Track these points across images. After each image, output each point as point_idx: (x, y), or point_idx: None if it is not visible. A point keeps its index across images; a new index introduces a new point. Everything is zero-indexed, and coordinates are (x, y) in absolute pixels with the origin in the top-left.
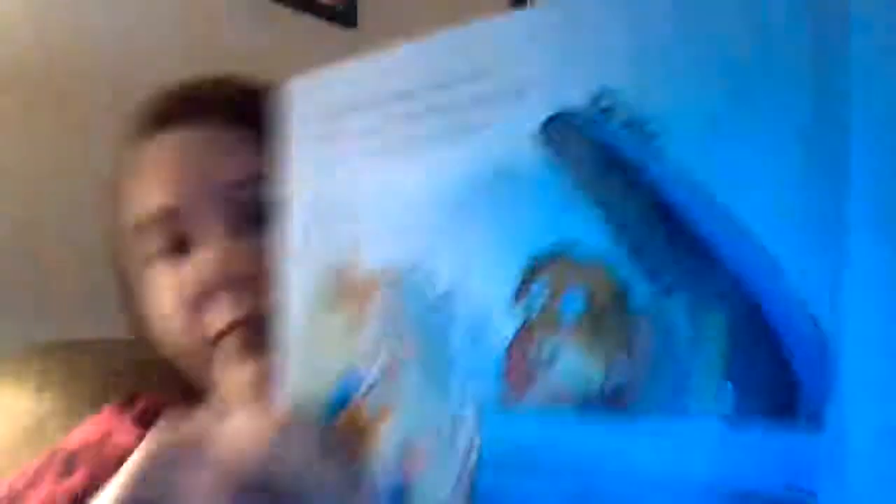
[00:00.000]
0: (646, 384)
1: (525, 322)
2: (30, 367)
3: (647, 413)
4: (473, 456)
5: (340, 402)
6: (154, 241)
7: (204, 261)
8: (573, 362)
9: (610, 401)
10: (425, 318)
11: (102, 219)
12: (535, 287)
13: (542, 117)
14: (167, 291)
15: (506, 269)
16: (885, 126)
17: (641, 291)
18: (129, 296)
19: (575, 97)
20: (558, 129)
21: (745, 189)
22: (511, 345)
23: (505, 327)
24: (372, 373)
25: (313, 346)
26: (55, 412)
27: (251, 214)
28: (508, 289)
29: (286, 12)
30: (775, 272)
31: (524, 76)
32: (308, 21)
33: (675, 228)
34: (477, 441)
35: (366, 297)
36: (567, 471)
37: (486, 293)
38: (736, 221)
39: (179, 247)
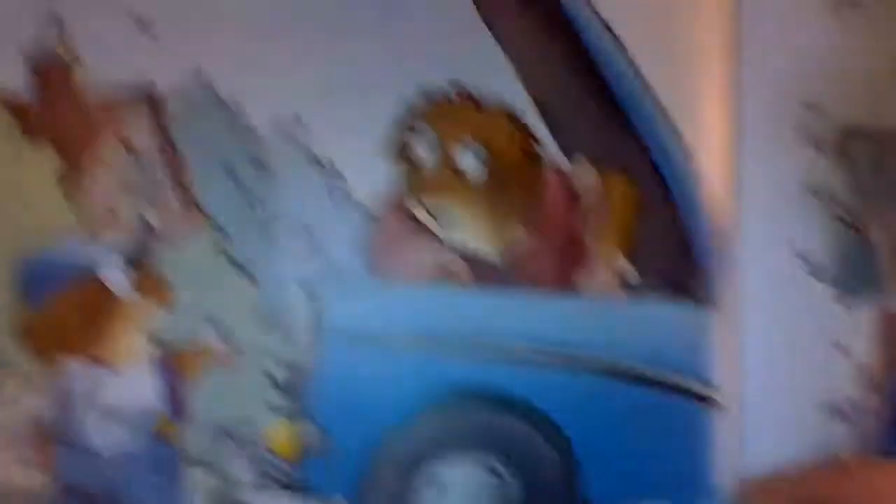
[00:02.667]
0: (542, 255)
1: (404, 179)
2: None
3: (545, 289)
4: (308, 345)
5: (54, 278)
6: None
7: None
8: (465, 229)
9: (503, 273)
10: (226, 163)
11: None
12: (418, 133)
13: None
14: None
15: (380, 102)
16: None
17: (547, 150)
18: None
19: None
20: None
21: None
22: (381, 204)
23: (371, 184)
24: (116, 242)
25: None
26: None
27: None
28: (380, 128)
29: None
30: (679, 146)
31: None
32: None
33: (587, 82)
34: (316, 324)
35: (91, 128)
36: (442, 342)
37: (340, 137)
38: (653, 100)
39: None
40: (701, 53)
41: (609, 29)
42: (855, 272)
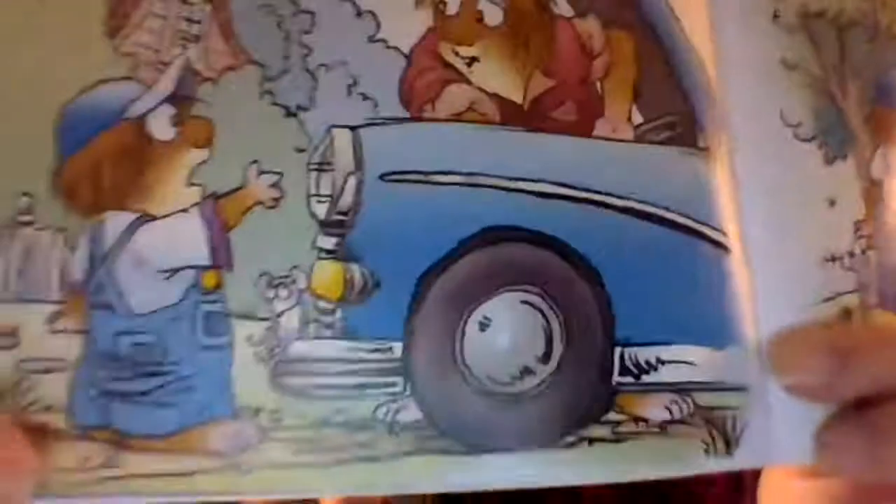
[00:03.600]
0: (560, 101)
1: (434, 25)
2: None
3: (564, 130)
4: (351, 185)
5: (91, 125)
6: None
7: None
8: (492, 72)
9: (527, 116)
10: (269, 8)
11: None
12: None
13: None
14: None
15: None
16: None
17: (562, 6)
18: None
19: None
20: None
21: None
22: (414, 50)
23: (405, 29)
24: (159, 86)
25: (18, 49)
26: None
27: None
28: None
29: None
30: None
31: None
32: None
33: None
34: (358, 163)
35: None
36: (478, 182)
37: None
38: None
39: None
40: None
41: None
42: (833, 134)
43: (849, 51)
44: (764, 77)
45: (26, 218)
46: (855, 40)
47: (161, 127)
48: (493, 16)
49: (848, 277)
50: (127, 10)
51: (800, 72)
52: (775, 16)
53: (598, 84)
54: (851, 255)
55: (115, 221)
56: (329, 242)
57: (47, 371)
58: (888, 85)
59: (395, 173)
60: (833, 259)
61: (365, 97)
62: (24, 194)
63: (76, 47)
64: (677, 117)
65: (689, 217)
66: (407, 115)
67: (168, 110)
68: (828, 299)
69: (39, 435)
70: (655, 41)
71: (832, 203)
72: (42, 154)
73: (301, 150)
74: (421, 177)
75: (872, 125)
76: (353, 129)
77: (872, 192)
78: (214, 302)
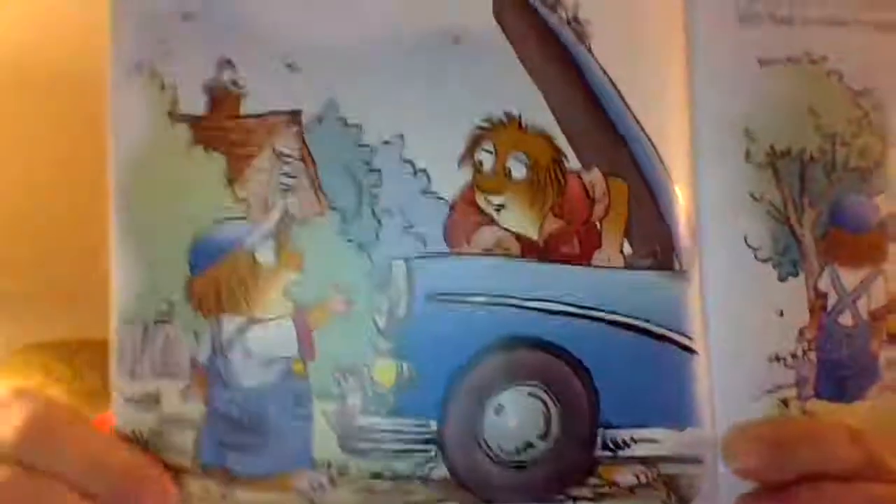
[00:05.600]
0: (568, 238)
1: (472, 180)
2: (31, 365)
3: (569, 261)
4: (404, 302)
5: (214, 252)
6: None
7: None
8: (515, 217)
9: (541, 250)
10: (347, 168)
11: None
12: (483, 149)
13: None
14: None
15: (454, 129)
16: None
17: (571, 160)
18: None
19: None
20: (511, 7)
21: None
22: (457, 199)
23: (450, 183)
24: (265, 225)
25: (162, 199)
26: None
27: None
28: (453, 148)
29: None
30: (657, 161)
31: None
32: None
33: (595, 115)
34: (410, 287)
35: (252, 141)
36: (501, 302)
37: (429, 151)
38: (632, 114)
39: None
40: (665, 98)
41: (604, 71)
42: (788, 255)
43: (808, 183)
44: (733, 208)
45: (166, 318)
46: (814, 173)
47: (266, 255)
48: (519, 171)
49: (788, 374)
50: (241, 167)
51: (764, 202)
52: (747, 155)
53: (599, 223)
54: (794, 355)
55: (231, 323)
56: (386, 345)
57: (180, 426)
58: (841, 210)
59: (437, 294)
60: (778, 359)
61: (417, 236)
62: (165, 301)
63: (206, 192)
64: (659, 247)
65: (664, 327)
66: (448, 250)
67: (271, 243)
68: (770, 391)
69: (175, 471)
70: (645, 185)
71: (781, 314)
72: (179, 272)
73: (368, 275)
74: (457, 297)
75: (823, 245)
76: (407, 261)
77: (817, 303)
78: (301, 383)
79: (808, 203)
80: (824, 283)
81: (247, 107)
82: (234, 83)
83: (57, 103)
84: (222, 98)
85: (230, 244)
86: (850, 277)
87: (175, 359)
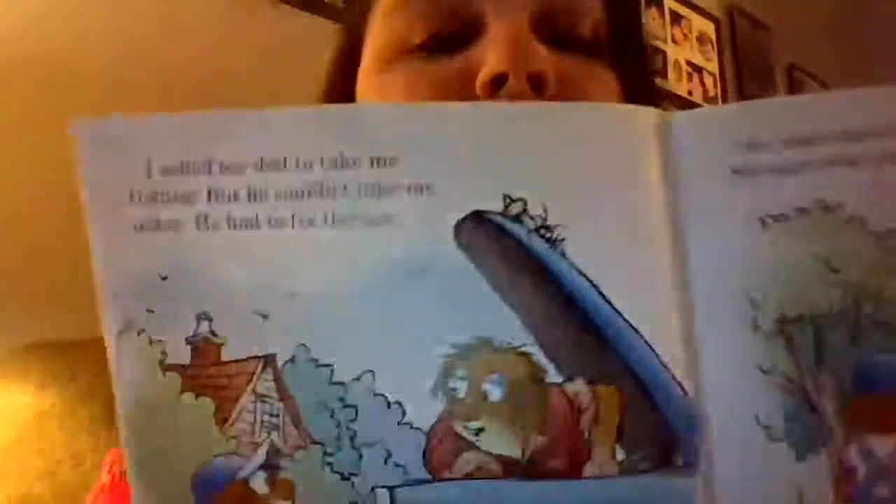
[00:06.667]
0: (553, 454)
1: (447, 408)
2: (30, 365)
3: (558, 476)
4: None
5: (212, 485)
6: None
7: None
8: (495, 439)
9: (525, 469)
10: (323, 404)
11: None
12: (456, 377)
13: (457, 215)
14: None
15: (424, 360)
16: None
17: (552, 375)
18: None
19: (487, 201)
20: (473, 228)
21: (630, 291)
22: (433, 428)
23: (425, 413)
24: (254, 460)
25: (162, 439)
26: (55, 410)
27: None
28: (427, 378)
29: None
30: (651, 355)
31: (436, 170)
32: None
33: (576, 322)
34: None
35: (234, 385)
36: None
37: (402, 382)
38: (621, 316)
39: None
40: (655, 285)
41: (583, 274)
42: (806, 430)
43: (826, 348)
44: (740, 384)
45: None
46: (833, 337)
47: (259, 485)
48: (495, 394)
49: None
50: (229, 409)
51: (775, 375)
52: (754, 325)
53: (587, 432)
54: None
55: None
56: None
57: None
58: (867, 373)
59: None
60: None
61: (397, 465)
62: None
63: (198, 433)
64: (657, 446)
65: None
66: (429, 477)
67: (263, 474)
68: None
69: None
70: (637, 384)
71: (801, 498)
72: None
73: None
74: None
75: (849, 415)
76: (390, 489)
77: (846, 478)
78: None
79: (828, 371)
80: (853, 457)
81: (227, 353)
82: (213, 333)
83: (53, 104)
84: (204, 348)
85: (226, 477)
86: (882, 446)
87: None
